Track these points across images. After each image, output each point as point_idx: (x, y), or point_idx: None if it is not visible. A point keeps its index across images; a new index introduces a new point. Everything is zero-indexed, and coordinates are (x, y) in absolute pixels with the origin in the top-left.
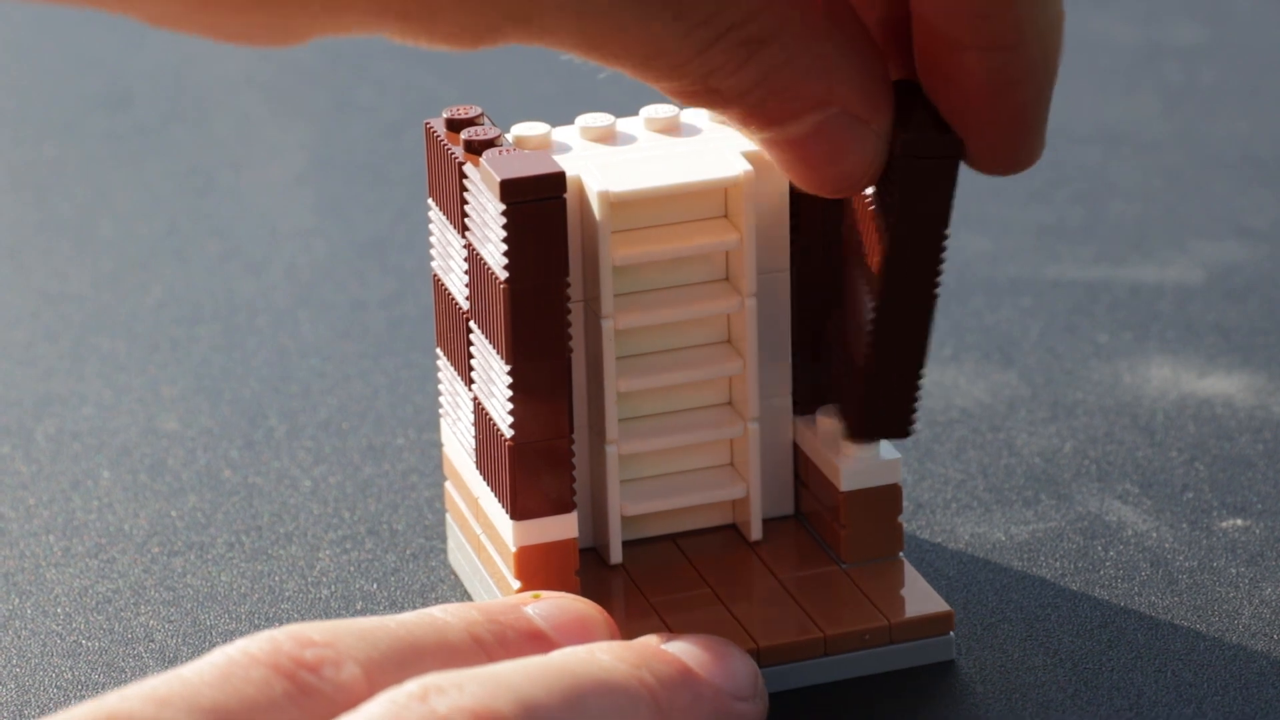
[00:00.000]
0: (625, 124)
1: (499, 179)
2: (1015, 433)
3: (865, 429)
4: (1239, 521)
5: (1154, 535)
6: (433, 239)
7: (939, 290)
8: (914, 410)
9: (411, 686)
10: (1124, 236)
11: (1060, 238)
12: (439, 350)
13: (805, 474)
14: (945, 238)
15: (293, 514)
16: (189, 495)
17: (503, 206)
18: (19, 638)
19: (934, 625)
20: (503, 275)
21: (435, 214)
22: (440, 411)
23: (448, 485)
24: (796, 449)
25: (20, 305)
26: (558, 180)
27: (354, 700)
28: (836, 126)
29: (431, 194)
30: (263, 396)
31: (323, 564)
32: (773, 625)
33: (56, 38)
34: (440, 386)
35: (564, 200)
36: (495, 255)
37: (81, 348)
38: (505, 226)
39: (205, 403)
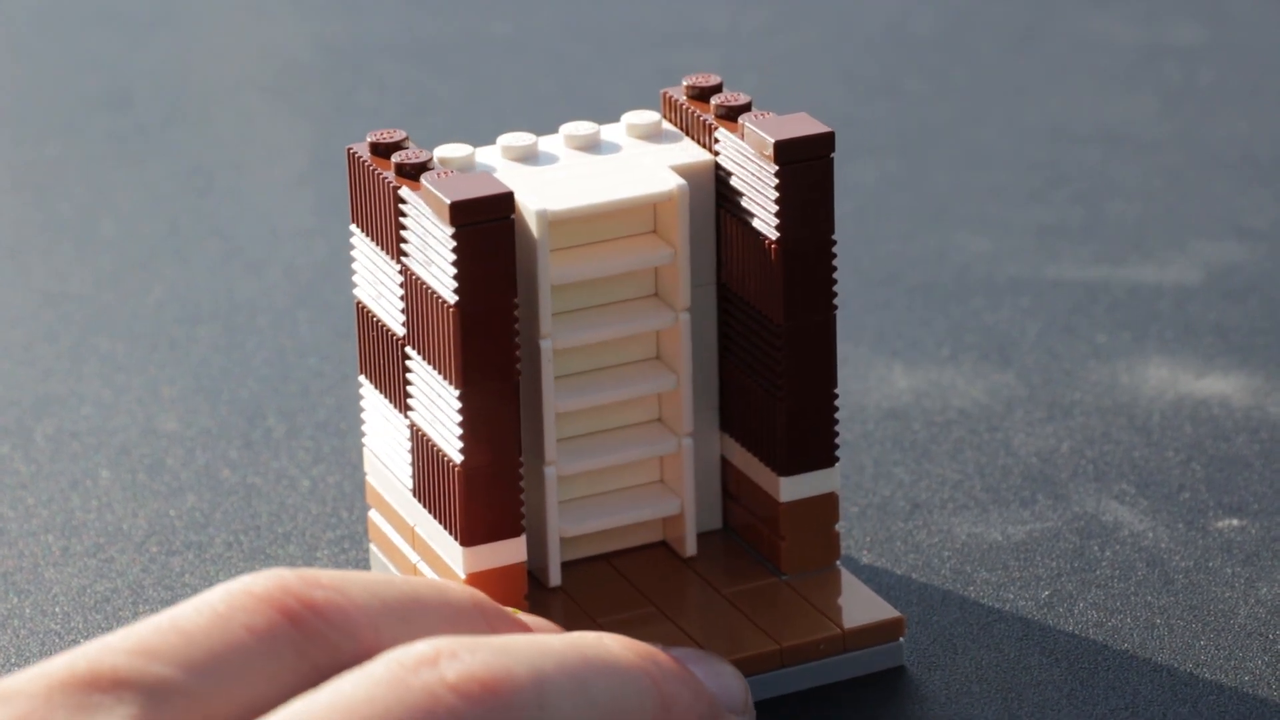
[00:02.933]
0: (545, 143)
1: (448, 202)
2: (1012, 433)
3: (791, 462)
4: (1235, 521)
5: (1150, 535)
6: (356, 265)
7: (837, 304)
8: (835, 435)
9: (423, 648)
10: (1123, 237)
11: (1060, 238)
12: (362, 378)
13: (735, 487)
14: (833, 243)
15: (291, 514)
16: (188, 495)
17: (451, 230)
18: (17, 637)
19: (885, 631)
20: (452, 299)
21: (360, 240)
22: (363, 440)
23: (372, 515)
24: (724, 462)
25: (20, 305)
26: (506, 201)
27: (360, 650)
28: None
29: (356, 220)
30: (261, 396)
31: (321, 563)
32: (727, 640)
33: (57, 38)
34: (364, 415)
35: (512, 221)
36: (442, 279)
37: (81, 347)
38: (455, 250)
39: (204, 403)
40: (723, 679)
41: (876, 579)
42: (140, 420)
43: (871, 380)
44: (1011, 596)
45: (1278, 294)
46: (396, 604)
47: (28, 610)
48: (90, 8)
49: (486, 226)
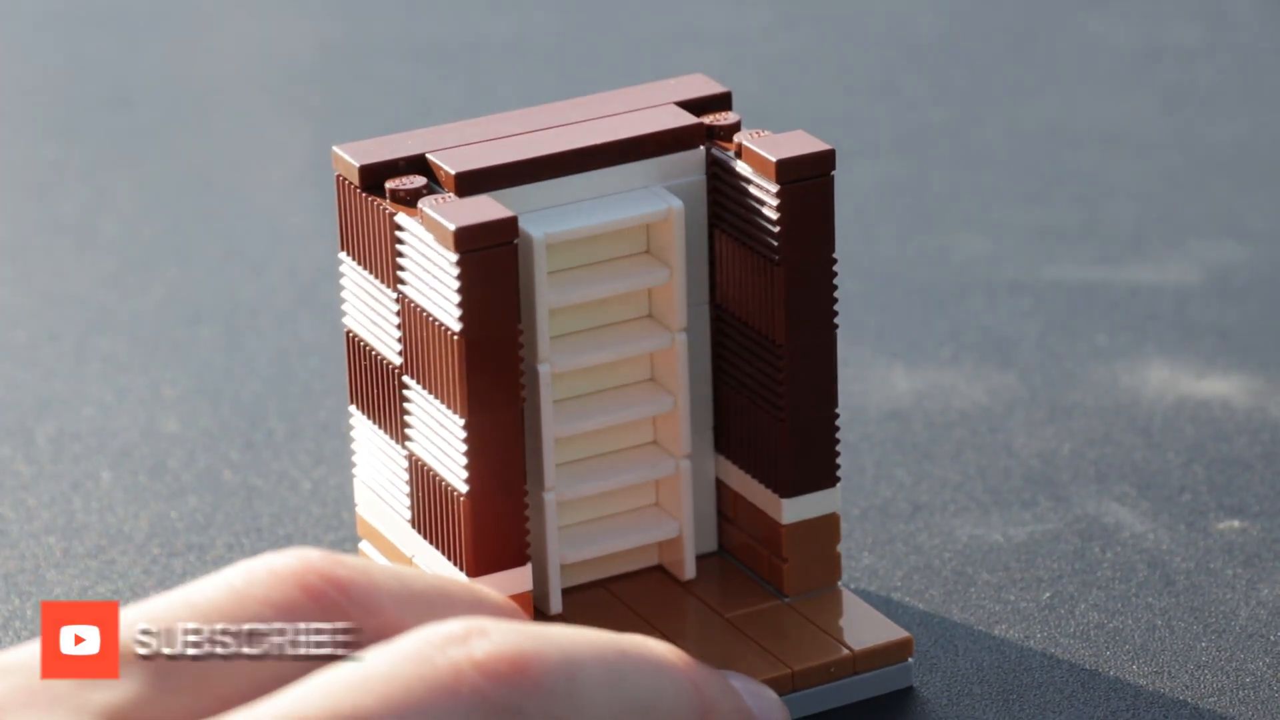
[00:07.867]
0: None
1: (452, 228)
2: (1013, 434)
3: (794, 483)
4: (1236, 523)
5: (1151, 537)
6: (346, 294)
7: (838, 322)
8: (836, 454)
9: (453, 626)
10: (1122, 237)
11: (1059, 239)
12: (353, 408)
13: (732, 509)
14: (834, 260)
15: (292, 515)
16: (189, 496)
17: (455, 256)
18: (19, 638)
19: (895, 652)
20: (456, 326)
21: (351, 268)
22: (354, 472)
23: (363, 546)
24: (720, 484)
25: (22, 305)
26: (510, 225)
27: (384, 629)
28: None
29: (345, 248)
30: (263, 397)
31: None
32: (736, 665)
33: (58, 38)
34: (354, 446)
35: (515, 245)
36: (445, 306)
37: (83, 348)
38: (459, 276)
39: (206, 404)
40: (763, 701)
41: (877, 581)
42: (141, 421)
43: (872, 382)
44: (1012, 598)
45: (1277, 295)
46: (423, 591)
47: (29, 612)
48: (90, 8)
49: (490, 252)
